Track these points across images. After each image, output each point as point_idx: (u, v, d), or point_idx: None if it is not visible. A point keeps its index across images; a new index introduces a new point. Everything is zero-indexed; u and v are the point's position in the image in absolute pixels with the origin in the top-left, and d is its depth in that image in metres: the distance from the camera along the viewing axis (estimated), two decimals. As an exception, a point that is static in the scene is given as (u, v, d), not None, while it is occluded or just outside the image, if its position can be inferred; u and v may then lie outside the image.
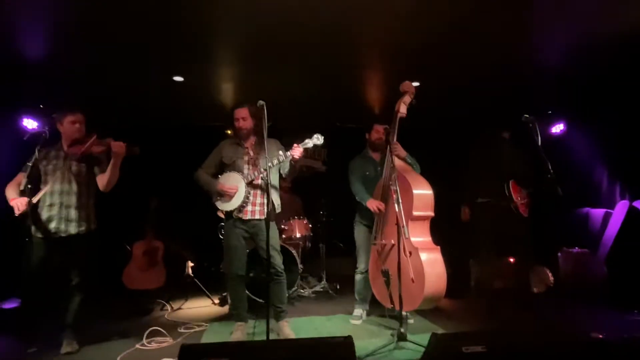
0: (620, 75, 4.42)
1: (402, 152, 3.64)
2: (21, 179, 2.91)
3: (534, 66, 4.23)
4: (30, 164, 2.87)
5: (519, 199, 4.32)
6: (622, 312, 3.86)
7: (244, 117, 3.39)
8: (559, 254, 4.79)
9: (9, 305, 4.02)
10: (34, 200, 2.94)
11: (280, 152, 3.34)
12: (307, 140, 3.33)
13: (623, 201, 4.60)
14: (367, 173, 3.92)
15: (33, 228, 3.01)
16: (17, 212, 2.87)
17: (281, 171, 3.52)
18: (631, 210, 4.44)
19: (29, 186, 2.75)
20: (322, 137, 3.34)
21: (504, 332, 3.04)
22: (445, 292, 3.33)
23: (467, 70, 4.31)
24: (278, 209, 3.46)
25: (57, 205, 3.06)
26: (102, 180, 3.16)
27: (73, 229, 3.09)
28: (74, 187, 3.12)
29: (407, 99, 3.47)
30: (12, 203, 2.92)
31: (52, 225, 3.04)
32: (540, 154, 3.52)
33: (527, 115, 3.25)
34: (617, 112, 4.84)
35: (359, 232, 3.96)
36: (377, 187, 3.73)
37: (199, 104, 5.23)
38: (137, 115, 5.52)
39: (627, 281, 4.13)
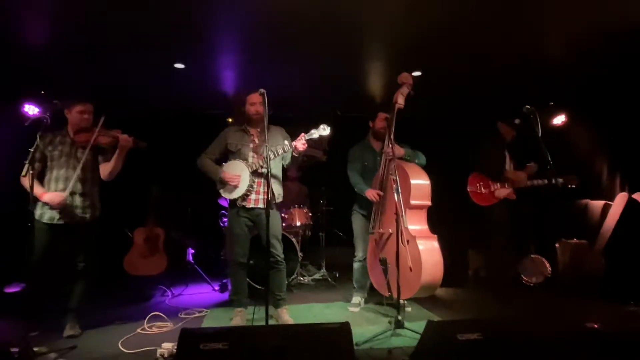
0: (623, 68, 4.40)
1: (399, 152, 3.62)
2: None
3: (536, 57, 4.21)
4: (32, 150, 2.88)
5: (476, 188, 4.21)
6: (619, 303, 3.89)
7: (260, 102, 3.32)
8: (557, 245, 4.81)
9: (13, 289, 4.06)
10: (67, 192, 3.01)
11: (286, 142, 3.33)
12: (312, 131, 3.30)
13: (622, 193, 4.61)
14: (366, 163, 3.93)
15: (37, 213, 3.04)
16: (55, 206, 2.98)
17: (283, 161, 3.52)
18: (630, 202, 4.46)
19: (31, 172, 2.76)
20: (328, 128, 3.31)
21: (499, 320, 3.08)
22: (444, 281, 3.37)
23: (470, 60, 4.30)
24: (279, 198, 3.47)
25: (60, 192, 3.07)
26: (105, 169, 3.21)
27: (77, 215, 3.12)
28: (79, 173, 3.15)
29: (405, 90, 3.47)
30: (45, 198, 2.97)
31: (56, 211, 3.06)
32: (541, 145, 3.52)
33: (529, 107, 3.24)
34: (618, 104, 4.83)
35: (357, 220, 3.99)
36: (376, 176, 3.75)
37: (200, 91, 5.23)
38: (138, 102, 5.52)
39: (625, 273, 4.17)
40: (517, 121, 4.09)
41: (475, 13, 3.34)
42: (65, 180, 3.10)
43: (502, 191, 4.10)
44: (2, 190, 3.97)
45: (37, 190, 2.99)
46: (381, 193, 3.61)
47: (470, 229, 5.16)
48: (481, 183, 4.21)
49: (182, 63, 4.29)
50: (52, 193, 3.01)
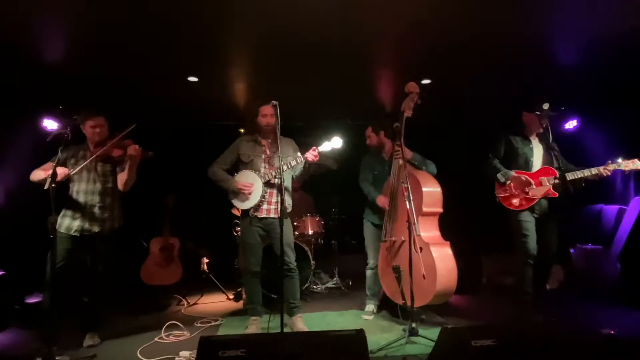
0: (636, 71, 4.38)
1: (408, 154, 3.65)
2: (50, 166, 2.98)
3: (547, 62, 4.21)
4: (54, 164, 2.95)
5: (503, 192, 3.66)
6: (634, 309, 3.85)
7: (272, 114, 3.39)
8: (572, 251, 4.77)
9: (33, 299, 4.14)
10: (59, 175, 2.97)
11: (298, 154, 3.37)
12: (325, 143, 3.35)
13: (637, 197, 4.57)
14: (376, 172, 3.99)
15: (58, 224, 3.12)
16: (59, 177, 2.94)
17: (293, 172, 3.56)
18: (645, 207, 4.42)
19: (53, 185, 2.84)
20: (341, 140, 3.36)
21: (513, 326, 3.06)
22: (458, 288, 3.37)
23: (480, 67, 4.32)
24: (289, 209, 3.50)
25: (82, 205, 3.18)
26: (120, 180, 3.26)
27: (96, 227, 3.21)
28: (99, 186, 3.24)
29: (412, 99, 3.52)
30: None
31: (76, 224, 3.16)
32: (553, 150, 3.52)
33: (547, 108, 3.26)
34: (631, 107, 4.80)
35: (367, 228, 4.03)
36: (386, 184, 3.78)
37: (213, 103, 5.33)
38: (154, 115, 5.63)
39: (641, 278, 4.13)
40: (545, 106, 3.47)
41: (488, 18, 3.36)
42: (85, 194, 3.20)
43: (539, 190, 3.47)
44: (24, 202, 4.09)
45: (41, 173, 3.02)
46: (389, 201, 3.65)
47: (484, 235, 5.14)
48: (505, 187, 3.64)
49: (195, 76, 4.39)
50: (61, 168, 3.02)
